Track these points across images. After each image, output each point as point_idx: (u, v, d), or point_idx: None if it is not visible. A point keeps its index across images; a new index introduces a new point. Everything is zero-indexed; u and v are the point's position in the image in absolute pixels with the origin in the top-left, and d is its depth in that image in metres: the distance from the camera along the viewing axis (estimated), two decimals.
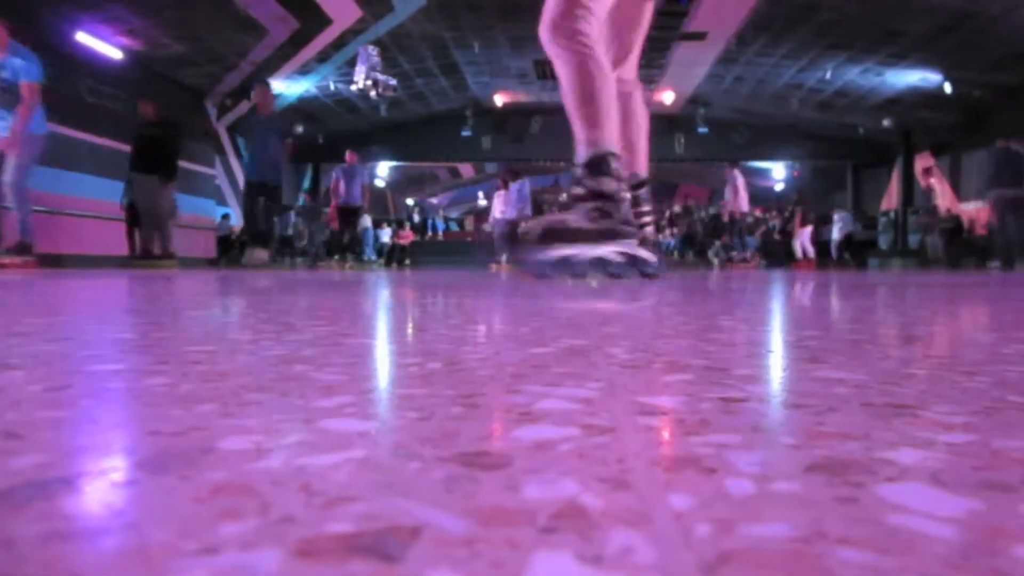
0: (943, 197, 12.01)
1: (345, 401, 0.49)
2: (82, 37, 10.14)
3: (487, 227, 13.55)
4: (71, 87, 9.96)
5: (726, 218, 11.73)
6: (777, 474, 0.32)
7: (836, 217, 15.62)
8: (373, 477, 0.31)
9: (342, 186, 10.93)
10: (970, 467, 0.33)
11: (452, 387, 0.54)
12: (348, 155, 11.24)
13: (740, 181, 11.33)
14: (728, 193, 11.60)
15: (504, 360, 0.70)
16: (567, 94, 2.39)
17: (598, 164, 2.33)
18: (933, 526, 0.26)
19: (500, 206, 11.85)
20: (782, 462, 0.35)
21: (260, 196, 8.04)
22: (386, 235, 19.50)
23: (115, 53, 10.82)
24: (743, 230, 12.03)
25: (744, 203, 11.45)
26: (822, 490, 0.30)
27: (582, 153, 2.37)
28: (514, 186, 11.25)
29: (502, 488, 0.30)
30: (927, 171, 12.01)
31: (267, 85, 8.67)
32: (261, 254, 8.07)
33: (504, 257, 10.77)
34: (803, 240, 13.72)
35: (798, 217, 15.01)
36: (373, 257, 17.53)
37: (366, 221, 16.58)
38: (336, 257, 11.61)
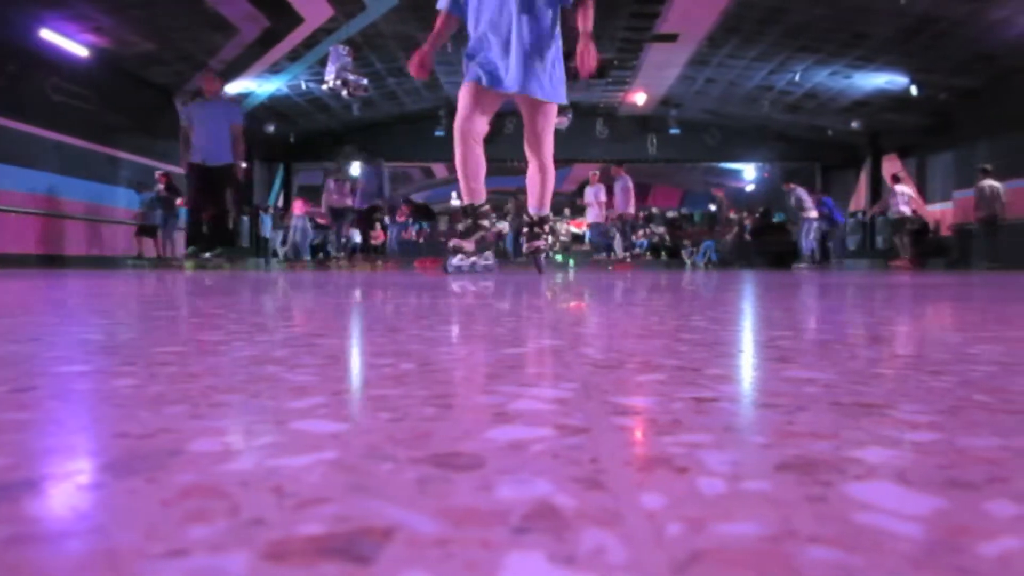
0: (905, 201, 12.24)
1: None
2: (47, 34, 9.95)
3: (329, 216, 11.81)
4: (36, 85, 9.79)
5: (609, 220, 12.31)
6: (748, 473, 0.33)
7: (806, 220, 13.92)
8: (345, 478, 0.31)
9: (195, 137, 6.74)
10: (936, 466, 0.34)
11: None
12: (201, 80, 7.55)
13: (629, 184, 12.08)
14: (590, 196, 12.35)
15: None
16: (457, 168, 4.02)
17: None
18: (899, 524, 0.26)
19: (336, 194, 10.84)
20: (753, 461, 0.35)
21: None
22: (358, 235, 19.37)
23: (81, 51, 10.65)
24: (630, 232, 12.69)
25: (631, 205, 12.21)
26: (792, 489, 0.30)
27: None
28: (368, 169, 9.94)
29: (475, 489, 0.30)
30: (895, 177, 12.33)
31: None
32: None
33: (352, 251, 9.94)
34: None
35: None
36: (303, 256, 14.65)
37: (300, 221, 14.14)
38: (189, 250, 7.35)
